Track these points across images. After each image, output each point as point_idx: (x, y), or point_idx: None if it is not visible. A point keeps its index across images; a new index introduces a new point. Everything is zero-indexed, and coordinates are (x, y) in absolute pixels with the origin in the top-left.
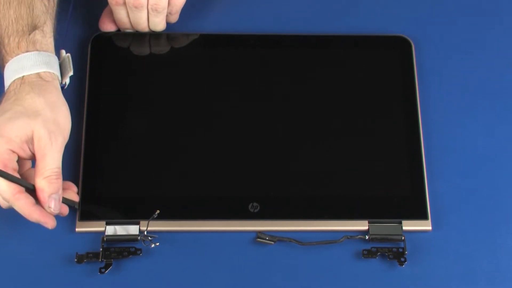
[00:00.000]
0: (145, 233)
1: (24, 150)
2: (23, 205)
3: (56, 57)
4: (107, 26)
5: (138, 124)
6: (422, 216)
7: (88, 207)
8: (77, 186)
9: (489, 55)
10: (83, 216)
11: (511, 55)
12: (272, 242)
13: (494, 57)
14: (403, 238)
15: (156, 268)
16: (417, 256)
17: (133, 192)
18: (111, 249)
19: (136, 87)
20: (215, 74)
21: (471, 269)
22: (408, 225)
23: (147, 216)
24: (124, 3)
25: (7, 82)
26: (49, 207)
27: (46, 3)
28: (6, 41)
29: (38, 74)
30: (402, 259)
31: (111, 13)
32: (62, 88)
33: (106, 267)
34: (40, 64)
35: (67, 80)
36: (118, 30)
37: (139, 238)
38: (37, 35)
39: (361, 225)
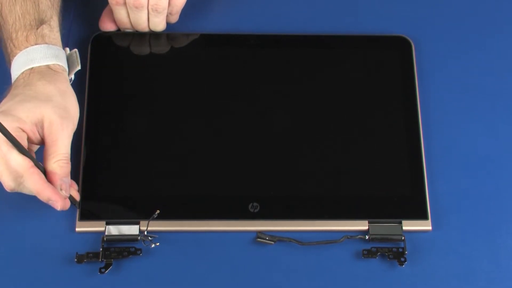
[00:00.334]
0: (145, 233)
1: (34, 133)
2: (37, 180)
3: (64, 52)
4: (107, 26)
5: (138, 124)
6: (422, 216)
7: (88, 207)
8: (77, 186)
9: (489, 55)
10: (83, 216)
11: (511, 55)
12: (272, 242)
13: (494, 57)
14: (403, 238)
15: (156, 268)
16: (417, 256)
17: (133, 192)
18: (111, 249)
19: (136, 86)
20: (215, 74)
21: (471, 269)
22: (408, 225)
23: (147, 216)
24: (125, 3)
25: (16, 73)
26: (60, 190)
27: None
28: (14, 35)
29: (48, 66)
30: (402, 259)
31: (111, 13)
32: None
33: (106, 267)
34: (50, 57)
35: (72, 76)
36: (118, 30)
37: (139, 238)
38: (45, 29)
39: (361, 225)
